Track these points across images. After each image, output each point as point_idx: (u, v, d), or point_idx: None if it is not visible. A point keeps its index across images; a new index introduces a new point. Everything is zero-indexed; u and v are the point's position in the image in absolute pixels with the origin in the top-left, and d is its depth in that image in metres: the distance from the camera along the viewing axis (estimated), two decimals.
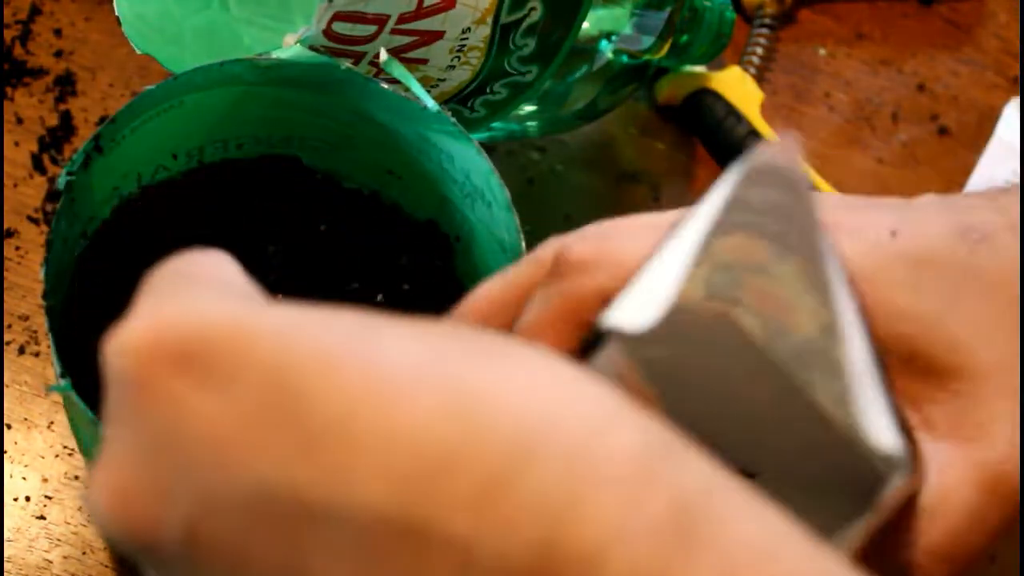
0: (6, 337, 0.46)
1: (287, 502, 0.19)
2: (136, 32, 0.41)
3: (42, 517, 0.43)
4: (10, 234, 0.47)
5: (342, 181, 0.44)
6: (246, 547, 0.20)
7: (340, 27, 0.37)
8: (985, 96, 0.58)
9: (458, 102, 0.42)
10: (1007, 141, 0.57)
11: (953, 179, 0.56)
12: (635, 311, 0.23)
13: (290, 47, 0.37)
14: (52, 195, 0.48)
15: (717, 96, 0.53)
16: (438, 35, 0.39)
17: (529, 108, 0.45)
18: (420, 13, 0.38)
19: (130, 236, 0.41)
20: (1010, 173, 0.57)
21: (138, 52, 0.40)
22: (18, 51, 0.50)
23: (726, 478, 0.20)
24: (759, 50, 0.55)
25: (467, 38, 0.39)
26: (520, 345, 0.21)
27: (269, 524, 0.19)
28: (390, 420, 0.19)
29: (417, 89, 0.38)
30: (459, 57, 0.40)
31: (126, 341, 0.20)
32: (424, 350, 0.20)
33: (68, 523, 0.43)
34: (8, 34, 0.50)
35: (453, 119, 0.38)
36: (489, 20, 0.39)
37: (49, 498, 0.43)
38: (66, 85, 0.50)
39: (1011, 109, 0.58)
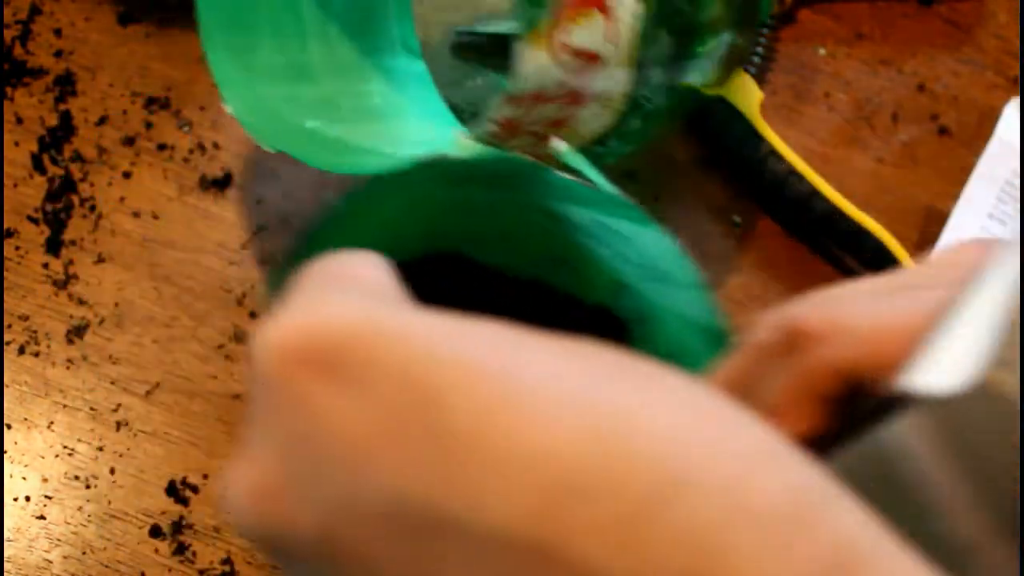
0: (6, 337, 0.46)
1: (419, 513, 0.19)
2: (248, 119, 0.42)
3: (42, 517, 0.43)
4: (10, 234, 0.47)
5: (507, 271, 0.44)
6: (377, 554, 0.19)
7: (507, 111, 0.36)
8: (985, 96, 0.58)
9: (595, 143, 0.42)
10: (1007, 141, 0.57)
11: (953, 179, 0.56)
12: (933, 376, 0.22)
13: (465, 145, 0.37)
14: (52, 195, 0.48)
15: (717, 96, 0.53)
16: (589, 92, 0.39)
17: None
18: (575, 76, 0.38)
19: None
20: (1010, 173, 0.57)
21: (264, 147, 0.41)
22: (18, 51, 0.50)
23: (885, 531, 0.19)
24: (759, 50, 0.55)
25: (612, 86, 0.39)
26: (672, 373, 0.21)
27: (400, 533, 0.19)
28: (530, 438, 0.19)
29: (596, 176, 0.38)
30: (605, 105, 0.40)
31: (268, 340, 0.20)
32: (570, 368, 0.20)
33: (68, 523, 0.43)
34: (8, 34, 0.50)
35: (635, 203, 0.38)
36: (629, 62, 0.39)
37: (49, 498, 0.43)
38: (66, 85, 0.50)
39: (1011, 109, 0.58)
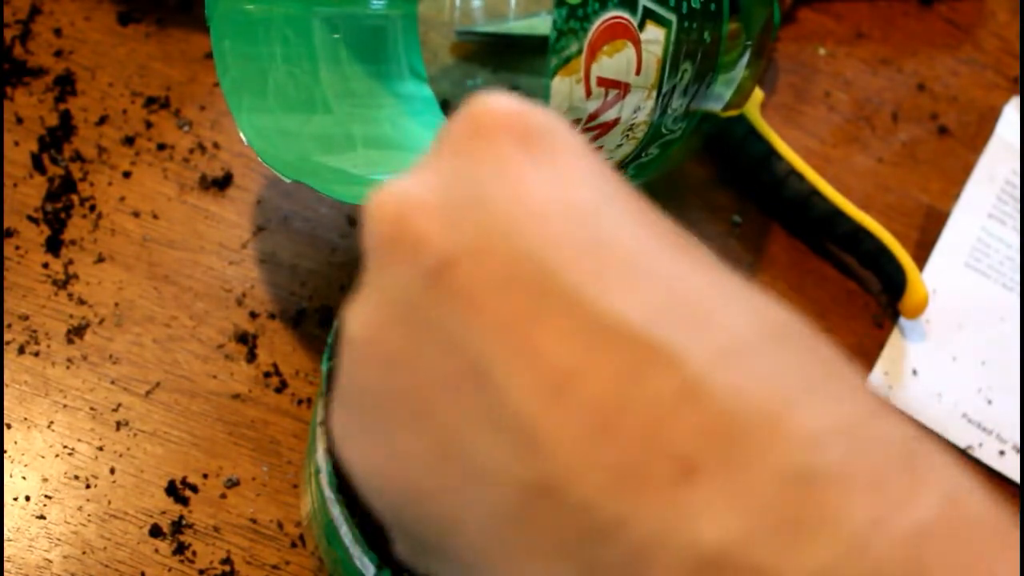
0: (6, 337, 0.46)
1: (548, 278, 0.21)
2: (264, 149, 0.42)
3: (42, 517, 0.43)
4: (10, 234, 0.47)
5: None
6: (491, 299, 0.21)
7: None
8: (985, 96, 0.58)
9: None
10: (1007, 141, 0.57)
11: (953, 179, 0.56)
12: None
13: None
14: (52, 195, 0.48)
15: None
16: (615, 123, 0.39)
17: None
18: (603, 107, 0.38)
19: None
20: (1010, 173, 0.57)
21: (281, 176, 0.42)
22: (18, 51, 0.50)
23: None
24: None
25: (636, 116, 0.40)
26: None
27: (522, 287, 0.21)
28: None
29: None
30: (628, 135, 0.41)
31: (487, 107, 0.24)
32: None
33: (68, 523, 0.43)
34: (8, 34, 0.50)
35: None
36: (654, 92, 0.40)
37: (49, 498, 0.43)
38: (66, 85, 0.50)
39: (1011, 109, 0.58)
